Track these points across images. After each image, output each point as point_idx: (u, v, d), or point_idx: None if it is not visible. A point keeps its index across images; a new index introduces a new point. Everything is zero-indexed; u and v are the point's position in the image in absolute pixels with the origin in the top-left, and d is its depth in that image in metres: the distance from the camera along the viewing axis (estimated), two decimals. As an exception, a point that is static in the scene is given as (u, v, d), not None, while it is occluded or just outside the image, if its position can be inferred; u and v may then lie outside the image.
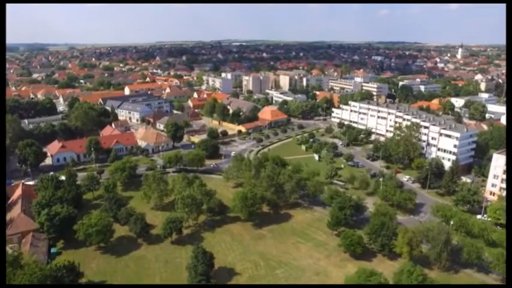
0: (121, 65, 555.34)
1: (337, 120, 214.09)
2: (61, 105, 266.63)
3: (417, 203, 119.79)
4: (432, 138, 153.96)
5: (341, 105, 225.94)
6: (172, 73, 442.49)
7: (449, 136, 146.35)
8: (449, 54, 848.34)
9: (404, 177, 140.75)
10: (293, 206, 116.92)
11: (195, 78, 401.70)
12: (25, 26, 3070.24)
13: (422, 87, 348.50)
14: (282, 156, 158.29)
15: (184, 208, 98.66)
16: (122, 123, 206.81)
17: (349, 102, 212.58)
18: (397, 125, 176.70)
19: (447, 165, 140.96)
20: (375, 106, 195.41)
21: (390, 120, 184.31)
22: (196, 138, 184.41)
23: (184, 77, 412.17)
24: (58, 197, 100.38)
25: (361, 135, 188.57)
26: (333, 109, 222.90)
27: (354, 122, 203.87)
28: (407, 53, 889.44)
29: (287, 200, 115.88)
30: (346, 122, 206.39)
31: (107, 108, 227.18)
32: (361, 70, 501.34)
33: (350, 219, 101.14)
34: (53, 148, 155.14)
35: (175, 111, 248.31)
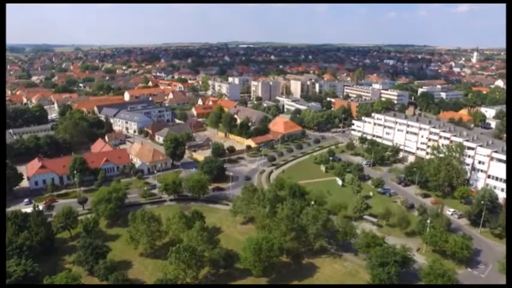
0: (124, 67, 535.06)
1: (358, 134, 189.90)
2: (55, 112, 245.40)
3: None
4: (479, 162, 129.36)
5: (362, 117, 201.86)
6: (176, 77, 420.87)
7: (503, 161, 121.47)
8: (463, 58, 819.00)
9: (447, 210, 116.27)
10: (317, 253, 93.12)
11: (200, 82, 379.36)
12: (33, 27, 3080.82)
13: (443, 95, 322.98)
14: (299, 179, 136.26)
15: (180, 264, 75.33)
16: (117, 135, 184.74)
17: (373, 114, 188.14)
18: (432, 142, 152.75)
19: (501, 196, 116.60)
20: (403, 119, 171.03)
21: (422, 136, 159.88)
22: (199, 155, 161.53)
23: (189, 81, 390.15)
24: (18, 246, 77.77)
25: (387, 153, 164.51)
26: (354, 121, 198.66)
27: (377, 137, 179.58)
28: (419, 56, 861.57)
29: (311, 245, 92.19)
30: (368, 137, 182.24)
31: (101, 117, 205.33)
32: (375, 75, 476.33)
33: (395, 278, 77.21)
34: (31, 168, 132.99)
35: (177, 121, 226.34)
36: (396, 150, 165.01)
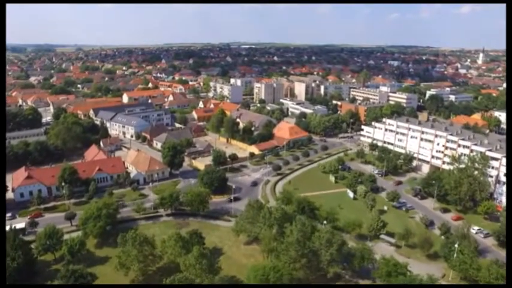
0: (124, 68, 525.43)
1: (368, 140, 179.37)
2: (50, 115, 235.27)
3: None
4: (505, 174, 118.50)
5: (371, 122, 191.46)
6: (177, 78, 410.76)
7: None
8: (469, 60, 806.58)
9: (472, 229, 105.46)
10: (331, 280, 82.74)
11: (201, 84, 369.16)
12: (35, 27, 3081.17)
13: (452, 97, 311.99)
14: (306, 190, 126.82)
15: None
16: (112, 141, 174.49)
17: (384, 119, 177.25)
18: (449, 151, 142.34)
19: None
20: (417, 126, 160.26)
21: (438, 144, 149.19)
22: (199, 163, 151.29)
23: (190, 83, 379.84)
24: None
25: (400, 161, 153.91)
26: (363, 126, 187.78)
27: (389, 144, 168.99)
28: (424, 57, 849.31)
29: (323, 271, 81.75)
30: (379, 143, 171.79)
31: (97, 121, 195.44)
32: (380, 76, 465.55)
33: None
34: (17, 178, 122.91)
35: (177, 124, 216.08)
36: (410, 158, 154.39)
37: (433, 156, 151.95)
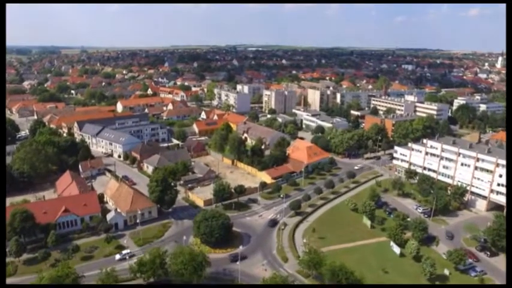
0: (124, 71, 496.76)
1: (403, 164, 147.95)
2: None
3: None
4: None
5: (406, 141, 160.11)
6: (179, 83, 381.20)
7: None
8: (486, 63, 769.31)
9: None
10: None
11: (205, 90, 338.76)
12: (42, 29, 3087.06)
13: (483, 107, 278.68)
14: (335, 241, 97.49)
15: None
16: (94, 164, 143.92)
17: (425, 140, 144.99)
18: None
19: None
20: (469, 150, 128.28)
21: (501, 176, 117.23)
22: (198, 197, 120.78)
23: (193, 89, 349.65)
24: None
25: (448, 195, 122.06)
26: (396, 147, 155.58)
27: (431, 170, 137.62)
28: (438, 61, 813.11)
29: None
30: (418, 169, 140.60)
31: (77, 139, 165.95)
32: (396, 82, 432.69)
33: None
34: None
35: (174, 140, 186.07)
36: (461, 192, 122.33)
37: (492, 191, 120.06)
